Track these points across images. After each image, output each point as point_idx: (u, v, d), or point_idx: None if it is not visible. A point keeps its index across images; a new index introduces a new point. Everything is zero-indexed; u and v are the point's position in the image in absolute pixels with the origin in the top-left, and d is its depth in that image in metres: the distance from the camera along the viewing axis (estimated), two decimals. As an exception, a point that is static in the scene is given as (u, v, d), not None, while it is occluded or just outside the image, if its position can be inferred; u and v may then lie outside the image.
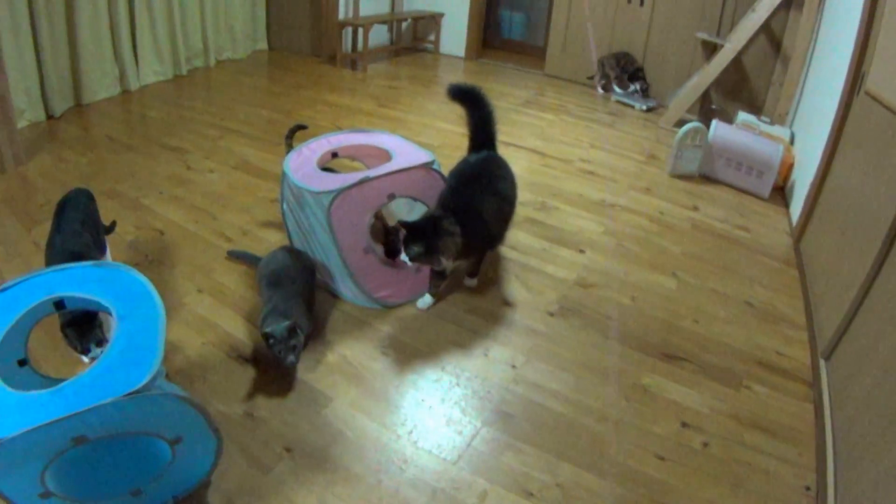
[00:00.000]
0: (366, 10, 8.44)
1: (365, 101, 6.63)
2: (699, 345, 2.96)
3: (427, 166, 3.16)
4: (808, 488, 2.22)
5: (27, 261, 3.43)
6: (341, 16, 8.20)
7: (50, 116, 5.82)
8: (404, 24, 9.39)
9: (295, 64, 8.15)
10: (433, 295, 3.11)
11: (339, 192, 2.86)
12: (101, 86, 6.38)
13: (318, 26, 8.26)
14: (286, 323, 2.42)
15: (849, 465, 2.09)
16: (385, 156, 3.33)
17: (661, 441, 2.37)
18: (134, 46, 6.76)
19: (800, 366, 2.89)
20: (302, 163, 3.20)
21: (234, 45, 8.19)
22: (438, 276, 3.08)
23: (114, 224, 3.30)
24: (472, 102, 3.24)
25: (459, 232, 2.76)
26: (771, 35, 6.20)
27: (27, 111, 5.58)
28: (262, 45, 8.77)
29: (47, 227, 3.60)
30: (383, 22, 8.72)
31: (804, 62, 5.68)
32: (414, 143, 3.49)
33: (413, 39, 9.54)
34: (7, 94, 4.57)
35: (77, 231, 2.76)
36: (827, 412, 2.50)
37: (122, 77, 6.66)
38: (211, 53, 7.75)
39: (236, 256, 3.48)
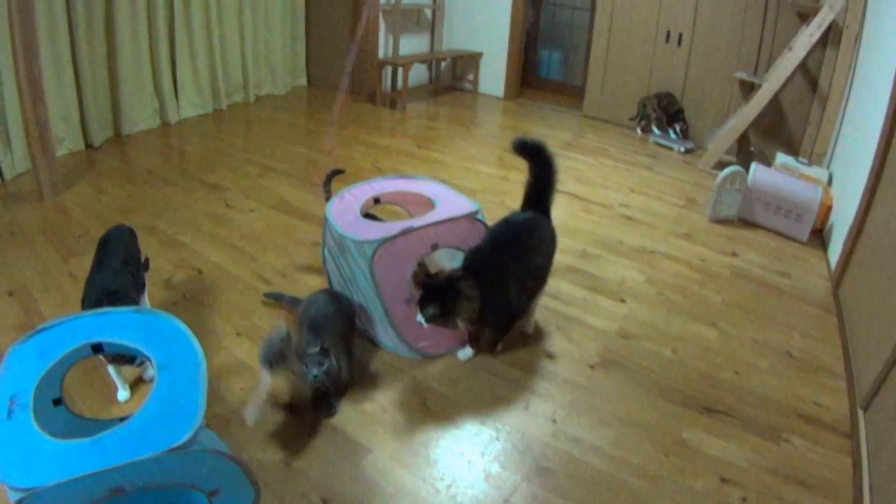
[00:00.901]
0: (405, 48, 8.53)
1: (404, 141, 6.68)
2: (739, 397, 2.93)
3: (471, 216, 3.17)
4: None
5: (63, 293, 3.50)
6: (381, 54, 8.28)
7: (89, 146, 5.91)
8: (443, 64, 9.46)
9: (334, 101, 8.20)
10: (474, 347, 3.10)
11: (383, 242, 2.87)
12: (140, 117, 6.50)
13: (358, 64, 8.29)
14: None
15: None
16: (428, 203, 3.35)
17: (700, 498, 2.34)
18: (174, 79, 6.87)
19: (838, 417, 2.85)
20: (344, 209, 3.22)
21: (273, 80, 8.30)
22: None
23: (147, 261, 3.32)
24: (536, 160, 3.16)
25: (478, 296, 2.73)
26: (807, 73, 6.16)
27: (66, 139, 5.67)
28: (302, 81, 8.87)
29: (84, 259, 3.70)
30: (423, 61, 8.80)
31: (841, 101, 5.66)
32: (457, 191, 3.50)
33: (452, 78, 9.60)
34: (46, 121, 4.64)
35: (118, 269, 2.78)
36: (864, 464, 2.46)
37: (162, 109, 6.78)
38: (250, 89, 7.86)
39: (273, 298, 3.50)
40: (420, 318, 2.69)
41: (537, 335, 3.34)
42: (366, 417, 2.68)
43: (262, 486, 2.15)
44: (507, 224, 3.04)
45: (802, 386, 3.05)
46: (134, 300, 2.67)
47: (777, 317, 3.67)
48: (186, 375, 1.92)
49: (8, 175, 5.13)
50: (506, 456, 2.51)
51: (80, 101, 5.80)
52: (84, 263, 3.73)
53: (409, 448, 2.53)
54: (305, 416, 2.66)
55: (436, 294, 2.66)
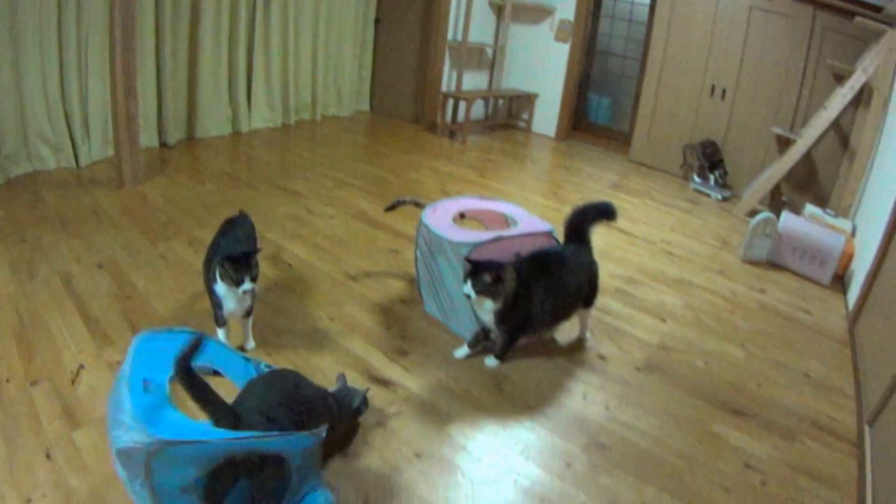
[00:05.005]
0: (466, 84, 9.09)
1: (466, 170, 7.19)
2: (761, 404, 3.39)
3: (549, 234, 3.66)
4: (849, 529, 2.63)
5: (156, 271, 3.98)
6: (444, 87, 8.83)
7: (163, 144, 6.43)
8: (500, 101, 9.99)
9: (396, 128, 8.77)
10: (470, 346, 3.49)
11: (477, 245, 3.33)
12: (213, 123, 7.04)
13: (422, 95, 8.88)
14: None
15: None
16: (505, 222, 3.86)
17: (727, 477, 2.80)
18: (248, 92, 7.40)
19: (847, 429, 3.29)
20: (438, 218, 3.70)
21: (339, 103, 8.86)
22: (484, 335, 3.45)
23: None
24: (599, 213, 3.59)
25: (514, 286, 3.13)
26: (839, 131, 6.63)
27: (143, 136, 6.04)
28: (365, 106, 9.43)
29: (173, 244, 4.25)
30: (485, 97, 9.36)
31: (868, 159, 6.07)
32: (533, 214, 3.98)
33: (507, 116, 10.13)
34: (136, 115, 5.13)
35: (241, 240, 3.21)
36: (868, 467, 2.91)
37: (235, 118, 7.32)
38: (318, 108, 8.43)
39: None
40: (468, 289, 3.07)
41: (592, 341, 3.83)
42: (453, 395, 3.16)
43: (364, 444, 2.70)
44: (548, 250, 3.45)
45: (817, 401, 3.50)
46: (257, 263, 3.02)
47: (797, 345, 4.12)
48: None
49: (84, 162, 5.60)
50: (568, 432, 2.99)
51: (160, 102, 6.34)
52: (174, 247, 4.27)
53: (487, 419, 3.01)
54: (397, 387, 3.16)
55: (485, 270, 3.05)
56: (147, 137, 6.25)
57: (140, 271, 3.95)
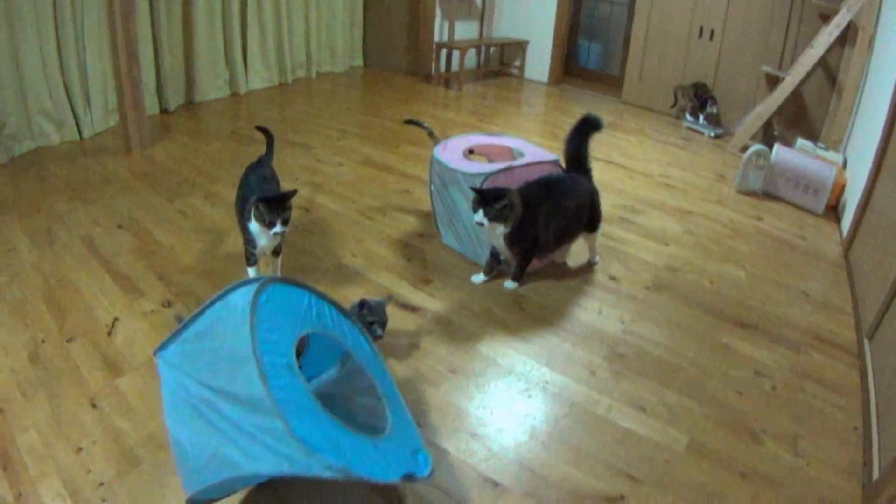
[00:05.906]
0: (457, 34, 9.19)
1: (465, 116, 7.34)
2: (765, 319, 3.59)
3: (555, 162, 3.87)
4: (856, 428, 2.80)
5: (176, 225, 4.11)
6: (436, 39, 8.96)
7: (164, 110, 6.49)
8: (492, 49, 10.14)
9: (392, 80, 8.87)
10: (486, 273, 3.72)
11: (490, 174, 3.51)
12: (211, 86, 7.09)
13: (415, 47, 8.97)
14: None
15: (887, 415, 2.66)
16: (511, 154, 4.03)
17: (739, 382, 3.00)
18: (244, 53, 7.44)
19: (848, 342, 3.47)
20: (449, 154, 3.87)
21: (333, 59, 8.92)
22: (495, 260, 3.67)
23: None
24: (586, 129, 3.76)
25: (520, 209, 3.31)
26: (828, 69, 6.75)
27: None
28: (358, 61, 9.50)
29: (190, 200, 4.35)
30: (477, 46, 9.47)
31: (856, 94, 6.21)
32: (539, 147, 4.17)
33: (499, 64, 10.25)
34: (139, 79, 5.17)
35: (268, 177, 3.36)
36: (870, 376, 3.08)
37: (232, 80, 7.37)
38: (313, 66, 8.49)
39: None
40: (480, 217, 3.24)
41: (602, 264, 4.03)
42: (477, 316, 3.36)
43: (401, 363, 2.89)
44: (549, 177, 3.63)
45: (818, 317, 3.69)
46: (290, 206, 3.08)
47: (796, 267, 4.31)
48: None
49: (87, 134, 5.63)
50: (588, 343, 3.19)
51: (157, 68, 6.38)
52: (191, 203, 4.40)
53: (512, 336, 3.22)
54: (426, 313, 3.34)
55: (494, 197, 3.23)
56: (147, 104, 6.18)
57: (160, 227, 4.06)
